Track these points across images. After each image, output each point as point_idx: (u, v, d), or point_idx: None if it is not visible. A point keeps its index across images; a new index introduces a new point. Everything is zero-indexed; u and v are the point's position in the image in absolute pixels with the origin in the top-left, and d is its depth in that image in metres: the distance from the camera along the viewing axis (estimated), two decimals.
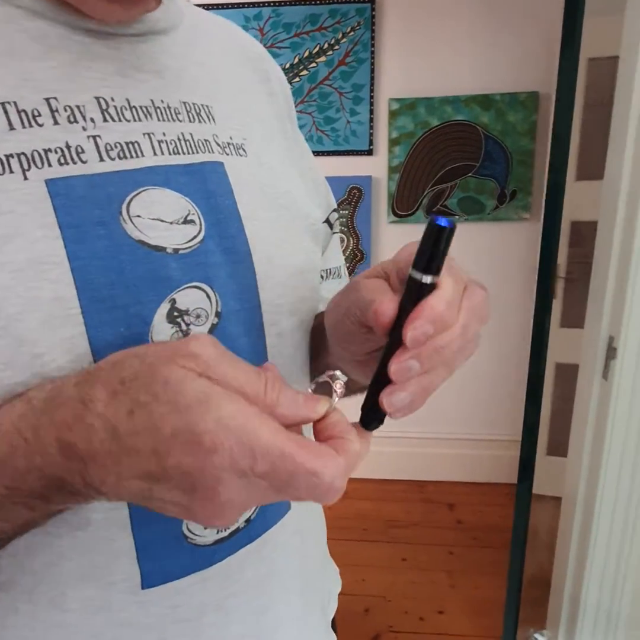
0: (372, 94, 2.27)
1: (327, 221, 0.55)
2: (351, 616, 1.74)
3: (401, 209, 2.38)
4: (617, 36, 2.05)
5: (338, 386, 0.31)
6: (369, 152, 2.33)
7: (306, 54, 2.27)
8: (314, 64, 2.28)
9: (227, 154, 0.42)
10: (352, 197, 2.35)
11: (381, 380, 0.30)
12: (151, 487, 0.27)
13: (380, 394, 0.29)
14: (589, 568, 1.20)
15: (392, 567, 1.96)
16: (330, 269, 0.56)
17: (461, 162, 2.32)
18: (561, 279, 2.33)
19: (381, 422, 0.31)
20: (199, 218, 0.38)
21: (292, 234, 0.46)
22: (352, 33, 2.24)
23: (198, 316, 0.37)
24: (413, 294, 0.28)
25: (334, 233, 0.56)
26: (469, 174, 2.32)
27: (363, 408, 0.32)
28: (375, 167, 2.35)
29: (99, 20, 0.37)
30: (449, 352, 0.29)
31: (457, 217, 2.35)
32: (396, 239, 2.45)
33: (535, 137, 2.27)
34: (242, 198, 0.41)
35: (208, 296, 0.37)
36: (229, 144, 0.43)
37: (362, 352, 0.36)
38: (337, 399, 0.30)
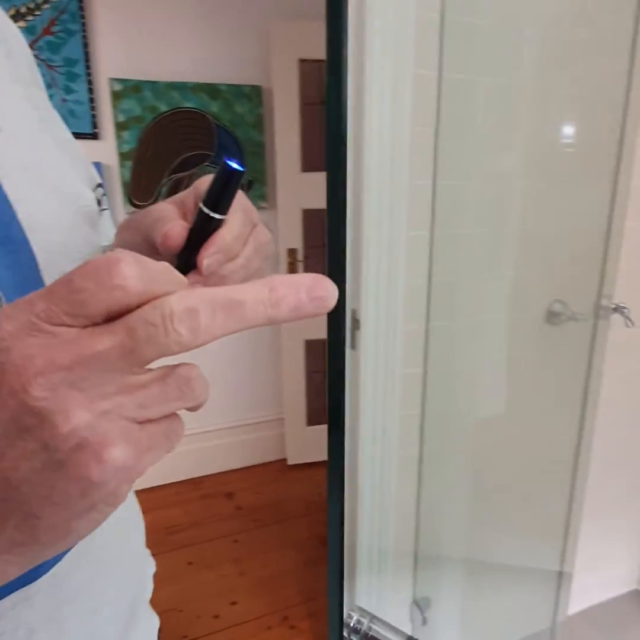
0: (89, 72, 2.05)
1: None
2: None
3: (139, 198, 2.23)
4: (323, 40, 2.27)
5: None
6: (94, 136, 2.11)
7: None
8: None
9: None
10: None
11: None
12: None
13: None
14: (360, 519, 1.34)
15: (178, 575, 1.88)
16: (104, 248, 0.50)
17: (196, 150, 2.29)
18: (301, 263, 2.53)
19: None
20: None
21: (68, 217, 0.40)
22: None
23: None
24: (202, 227, 0.30)
25: (103, 210, 0.51)
26: (206, 164, 2.31)
27: None
28: (104, 153, 2.14)
29: None
30: (231, 281, 0.32)
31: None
32: None
33: (263, 129, 2.38)
34: (8, 180, 0.35)
35: None
36: None
37: None
38: None
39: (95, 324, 0.20)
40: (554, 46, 1.18)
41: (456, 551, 1.39)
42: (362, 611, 0.57)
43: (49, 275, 0.37)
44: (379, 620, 0.60)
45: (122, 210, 2.21)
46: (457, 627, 1.41)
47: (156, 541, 2.02)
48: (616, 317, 1.34)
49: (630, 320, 1.40)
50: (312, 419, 2.62)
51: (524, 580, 1.46)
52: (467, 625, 1.41)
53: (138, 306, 0.20)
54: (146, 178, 2.23)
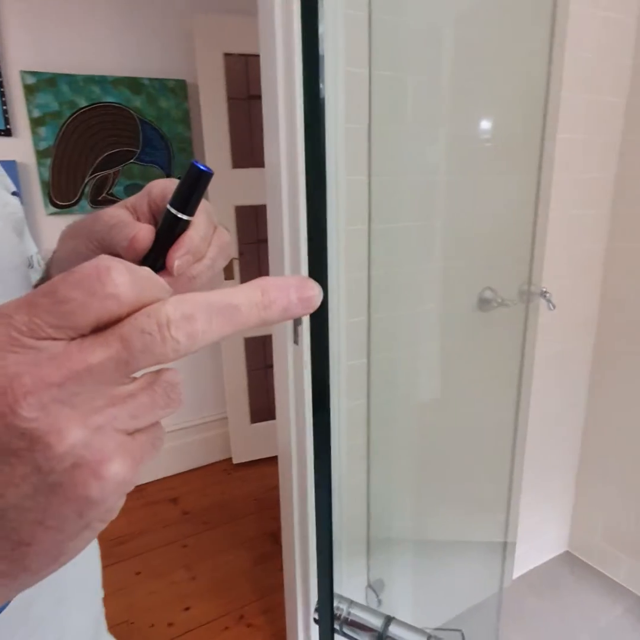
0: None
1: None
2: None
3: (60, 198, 2.11)
4: (247, 34, 2.25)
5: None
6: (7, 133, 1.97)
7: None
8: None
9: None
10: None
11: None
12: None
13: None
14: (310, 509, 1.36)
15: (127, 587, 1.82)
16: (29, 259, 0.48)
17: (120, 147, 2.20)
18: (236, 260, 2.50)
19: None
20: None
21: None
22: None
23: None
24: (170, 228, 0.30)
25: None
26: (131, 160, 2.23)
27: None
28: (19, 151, 2.01)
29: None
30: (199, 282, 0.32)
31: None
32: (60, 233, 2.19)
33: (190, 125, 2.33)
34: None
35: None
36: None
37: None
38: None
39: (82, 336, 0.19)
40: (477, 44, 1.24)
41: (406, 532, 1.44)
42: (340, 597, 0.59)
43: None
44: (357, 604, 0.62)
45: (43, 210, 2.09)
46: (410, 604, 1.46)
47: (102, 554, 1.94)
48: (542, 302, 1.44)
49: (551, 303, 1.50)
50: (256, 416, 2.61)
51: (472, 553, 1.54)
52: (420, 601, 1.47)
53: (128, 314, 0.20)
54: (67, 177, 2.12)
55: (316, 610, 0.60)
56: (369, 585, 1.39)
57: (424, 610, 1.50)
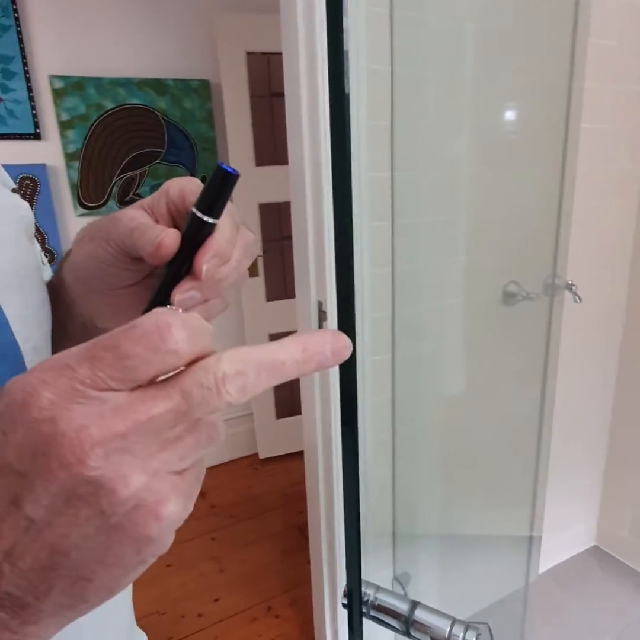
0: (26, 69, 1.96)
1: None
2: None
3: (89, 199, 2.16)
4: (269, 32, 2.26)
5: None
6: (36, 136, 2.03)
7: None
8: None
9: None
10: (25, 190, 2.02)
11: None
12: (21, 506, 0.20)
13: None
14: (337, 504, 1.38)
15: (158, 579, 1.87)
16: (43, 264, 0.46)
17: (146, 148, 2.24)
18: (260, 257, 2.52)
19: None
20: None
21: (10, 230, 0.37)
22: None
23: None
24: (196, 232, 0.30)
25: None
26: (157, 161, 2.27)
27: None
28: (48, 154, 2.06)
29: None
30: (225, 284, 0.32)
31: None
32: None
33: (214, 124, 2.36)
34: None
35: None
36: None
37: (117, 286, 0.35)
38: None
39: (139, 386, 0.21)
40: (498, 37, 1.23)
41: (432, 526, 1.45)
42: (367, 583, 0.61)
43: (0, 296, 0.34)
44: (384, 590, 0.63)
45: (72, 212, 2.14)
46: (436, 597, 1.47)
47: None
48: (567, 294, 1.43)
49: (577, 296, 1.49)
50: (281, 412, 2.63)
51: (497, 547, 1.54)
52: (446, 595, 1.48)
53: (183, 366, 0.21)
54: (95, 178, 2.17)
55: (345, 594, 0.62)
56: (395, 578, 1.40)
57: (449, 603, 1.50)
